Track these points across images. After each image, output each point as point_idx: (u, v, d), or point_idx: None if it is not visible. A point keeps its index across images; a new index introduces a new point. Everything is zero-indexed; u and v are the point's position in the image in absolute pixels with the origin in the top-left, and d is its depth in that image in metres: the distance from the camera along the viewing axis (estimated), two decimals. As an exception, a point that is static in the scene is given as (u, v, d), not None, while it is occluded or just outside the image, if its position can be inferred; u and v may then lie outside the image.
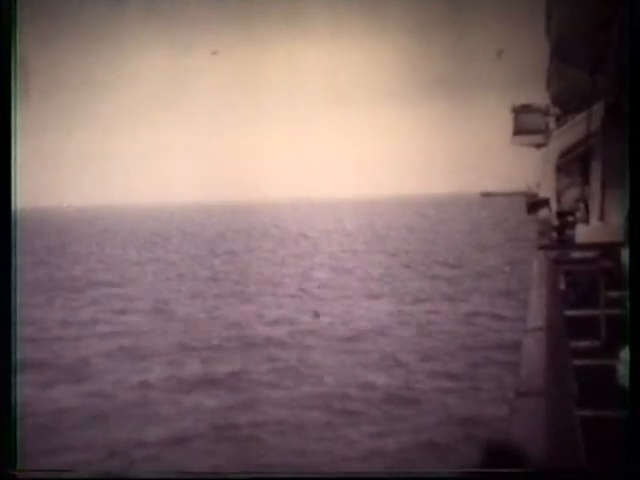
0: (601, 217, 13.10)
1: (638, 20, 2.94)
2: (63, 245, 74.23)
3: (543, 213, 18.09)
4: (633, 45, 2.94)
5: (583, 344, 6.27)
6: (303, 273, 44.23)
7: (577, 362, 5.25)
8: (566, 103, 18.42)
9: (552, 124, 24.10)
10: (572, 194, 16.67)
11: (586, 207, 14.59)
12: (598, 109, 12.45)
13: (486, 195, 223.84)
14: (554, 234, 14.28)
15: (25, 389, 17.02)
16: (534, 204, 20.27)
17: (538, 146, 26.41)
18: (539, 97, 27.01)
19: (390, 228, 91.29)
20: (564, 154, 16.18)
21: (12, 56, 3.30)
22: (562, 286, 8.69)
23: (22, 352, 19.88)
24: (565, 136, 16.14)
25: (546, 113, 25.92)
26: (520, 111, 28.22)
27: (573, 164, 16.43)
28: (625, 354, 4.09)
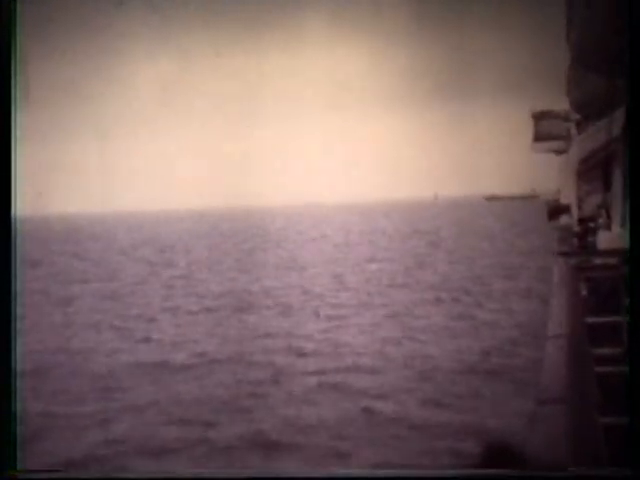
0: (623, 224, 13.03)
1: (637, 22, 2.94)
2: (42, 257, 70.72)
3: (564, 219, 17.99)
4: (633, 46, 2.94)
5: (605, 351, 6.24)
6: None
7: (599, 369, 5.22)
8: (586, 109, 18.35)
9: (573, 130, 23.99)
10: (593, 200, 16.57)
11: (607, 213, 14.51)
12: (619, 115, 12.40)
13: (491, 199, 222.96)
14: (575, 240, 14.20)
15: None
16: (555, 210, 20.17)
17: (559, 152, 26.30)
18: (548, 101, 26.94)
19: (392, 234, 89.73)
20: (585, 160, 16.11)
21: (12, 58, 3.30)
22: (584, 293, 8.64)
23: None
24: (586, 142, 16.06)
25: (566, 119, 25.81)
26: (540, 117, 28.12)
27: (594, 170, 16.34)
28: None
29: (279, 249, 69.01)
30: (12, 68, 3.29)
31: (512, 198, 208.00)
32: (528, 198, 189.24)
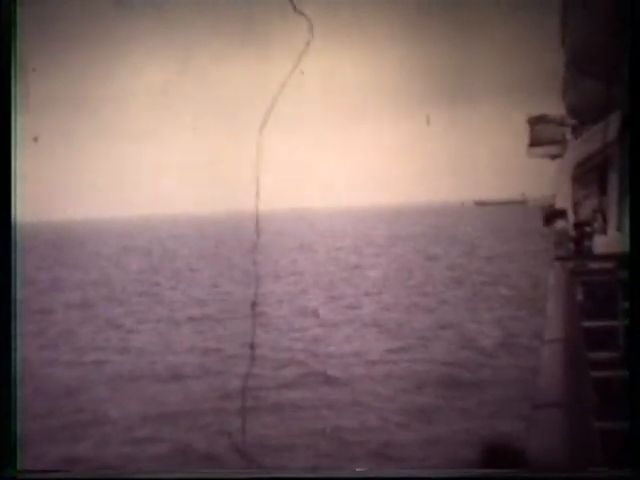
0: (619, 228, 13.05)
1: (638, 23, 2.93)
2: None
3: (560, 224, 17.99)
4: (633, 49, 2.93)
5: (601, 355, 6.22)
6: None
7: (595, 374, 5.21)
8: (582, 113, 18.38)
9: (568, 135, 24.02)
10: (589, 205, 16.59)
11: (603, 218, 14.52)
12: (614, 119, 12.41)
13: (480, 204, 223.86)
14: (571, 245, 14.20)
15: None
16: (551, 215, 20.17)
17: (554, 157, 26.32)
18: (544, 106, 26.92)
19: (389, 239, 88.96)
20: (580, 165, 16.12)
21: (12, 59, 3.27)
22: (580, 297, 8.64)
23: None
24: (581, 147, 16.08)
25: (562, 124, 25.86)
26: (536, 122, 28.14)
27: (590, 175, 16.36)
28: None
29: (268, 256, 68.27)
30: (12, 69, 3.27)
31: (502, 203, 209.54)
32: (518, 203, 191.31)
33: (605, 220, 14.23)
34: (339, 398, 18.38)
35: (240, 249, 79.97)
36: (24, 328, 29.76)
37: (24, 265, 64.49)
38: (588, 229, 14.61)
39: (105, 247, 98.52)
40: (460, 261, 54.68)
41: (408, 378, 20.02)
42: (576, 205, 17.30)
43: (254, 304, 29.92)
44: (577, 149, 16.45)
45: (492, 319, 28.69)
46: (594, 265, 10.22)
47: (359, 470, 11.55)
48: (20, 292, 43.58)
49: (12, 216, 3.27)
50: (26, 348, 25.40)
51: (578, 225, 15.57)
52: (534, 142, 28.54)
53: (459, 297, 35.56)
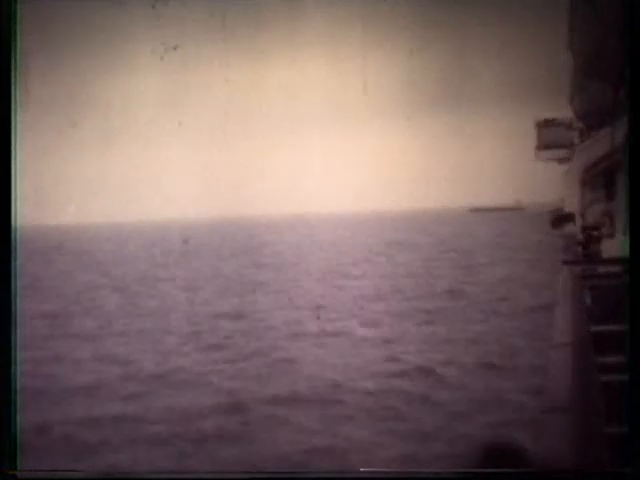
0: (626, 232, 13.01)
1: (637, 24, 2.93)
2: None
3: (568, 228, 17.97)
4: (633, 49, 2.93)
5: (610, 360, 6.21)
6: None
7: (604, 378, 5.20)
8: (590, 117, 18.35)
9: (576, 139, 23.99)
10: (597, 209, 16.57)
11: (611, 222, 14.49)
12: (622, 123, 12.40)
13: (475, 211, 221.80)
14: (579, 249, 14.18)
15: None
16: (559, 219, 20.14)
17: (562, 161, 26.28)
18: (550, 110, 26.88)
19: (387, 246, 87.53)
20: (589, 168, 16.10)
21: (12, 58, 3.27)
22: (588, 301, 8.62)
23: None
24: (589, 150, 16.06)
25: (570, 127, 25.80)
26: (544, 126, 28.08)
27: (598, 178, 16.34)
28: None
29: (260, 263, 66.93)
30: (12, 68, 3.27)
31: (497, 210, 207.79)
32: (515, 210, 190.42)
33: (613, 224, 14.20)
34: (311, 417, 17.40)
35: (232, 255, 78.90)
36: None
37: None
38: (596, 233, 14.58)
39: (89, 253, 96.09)
40: (455, 271, 53.51)
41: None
42: (584, 209, 17.28)
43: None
44: (585, 153, 16.43)
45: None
46: (602, 269, 10.21)
47: (362, 470, 11.40)
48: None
49: (12, 220, 3.27)
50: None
51: (586, 229, 15.54)
52: (542, 145, 28.50)
53: (454, 309, 34.78)
